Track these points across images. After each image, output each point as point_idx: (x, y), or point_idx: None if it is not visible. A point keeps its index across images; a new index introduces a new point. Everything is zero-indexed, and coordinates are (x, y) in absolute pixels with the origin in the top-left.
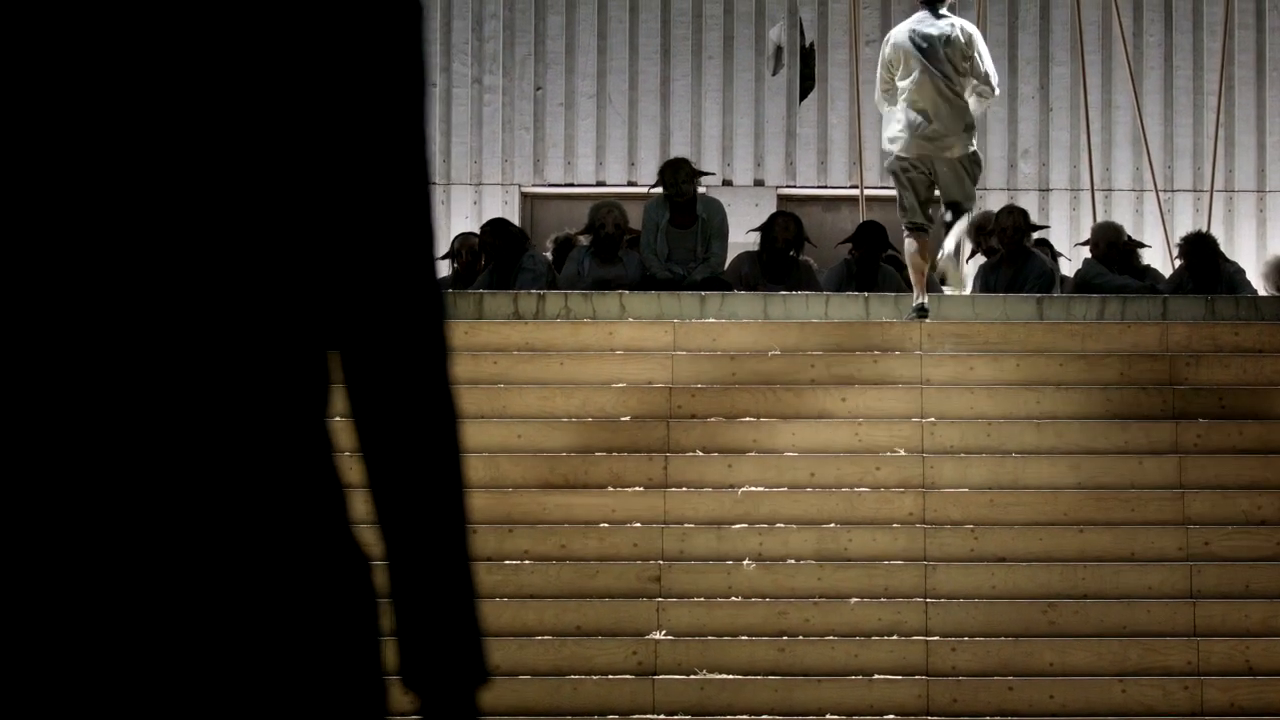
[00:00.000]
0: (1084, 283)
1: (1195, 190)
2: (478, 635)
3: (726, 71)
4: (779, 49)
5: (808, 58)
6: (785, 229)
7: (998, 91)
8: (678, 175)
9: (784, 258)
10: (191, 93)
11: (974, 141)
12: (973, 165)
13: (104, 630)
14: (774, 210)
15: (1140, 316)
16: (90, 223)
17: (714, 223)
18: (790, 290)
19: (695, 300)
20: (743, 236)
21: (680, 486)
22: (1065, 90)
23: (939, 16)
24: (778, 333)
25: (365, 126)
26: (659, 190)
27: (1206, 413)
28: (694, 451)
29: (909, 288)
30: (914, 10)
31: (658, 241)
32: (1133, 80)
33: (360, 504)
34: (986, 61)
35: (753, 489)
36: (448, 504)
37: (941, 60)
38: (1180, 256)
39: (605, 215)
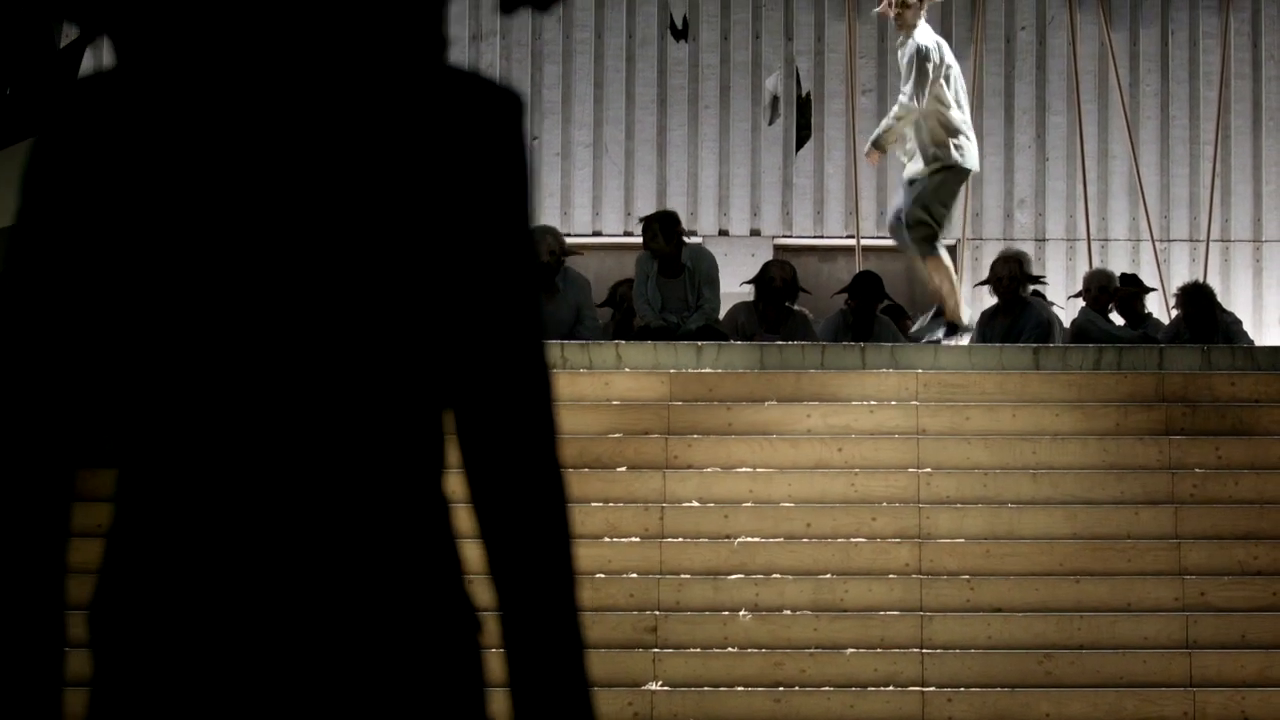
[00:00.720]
0: (1080, 331)
1: (1191, 240)
2: (587, 699)
3: (723, 121)
4: (775, 99)
5: (804, 107)
6: (782, 269)
7: None
8: (648, 232)
9: (780, 303)
10: (331, 190)
11: None
12: None
13: (221, 674)
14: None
15: (1136, 366)
16: (237, 292)
17: (702, 269)
18: (786, 340)
19: (691, 350)
20: (738, 287)
21: (676, 537)
22: (1062, 140)
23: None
24: (774, 383)
25: (478, 212)
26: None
27: (1203, 463)
28: (690, 502)
29: (904, 338)
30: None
31: (649, 291)
32: (1129, 130)
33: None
34: None
35: (749, 539)
36: (558, 568)
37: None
38: (1177, 306)
39: (538, 242)
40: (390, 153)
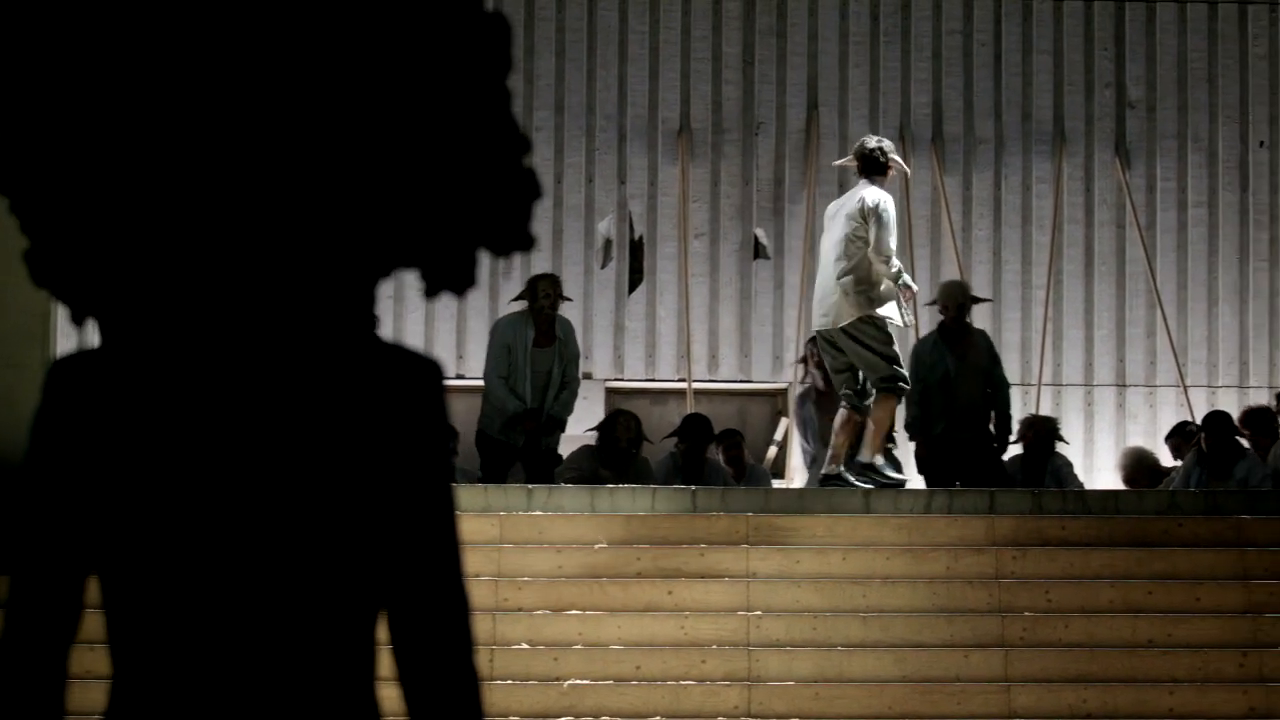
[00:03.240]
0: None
1: (1023, 384)
2: None
3: (555, 264)
4: (608, 242)
5: (636, 251)
6: (627, 428)
7: None
8: (548, 288)
9: (625, 455)
10: (281, 450)
11: None
12: None
13: None
14: (601, 403)
15: (967, 510)
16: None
17: (570, 347)
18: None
19: (522, 494)
20: (582, 433)
21: (506, 679)
22: None
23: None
24: (604, 526)
25: (406, 464)
26: (521, 304)
27: (1032, 606)
28: (519, 644)
29: (736, 481)
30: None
31: (520, 360)
32: (961, 274)
33: None
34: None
35: (578, 682)
36: None
37: None
38: (1019, 439)
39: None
40: (330, 417)
